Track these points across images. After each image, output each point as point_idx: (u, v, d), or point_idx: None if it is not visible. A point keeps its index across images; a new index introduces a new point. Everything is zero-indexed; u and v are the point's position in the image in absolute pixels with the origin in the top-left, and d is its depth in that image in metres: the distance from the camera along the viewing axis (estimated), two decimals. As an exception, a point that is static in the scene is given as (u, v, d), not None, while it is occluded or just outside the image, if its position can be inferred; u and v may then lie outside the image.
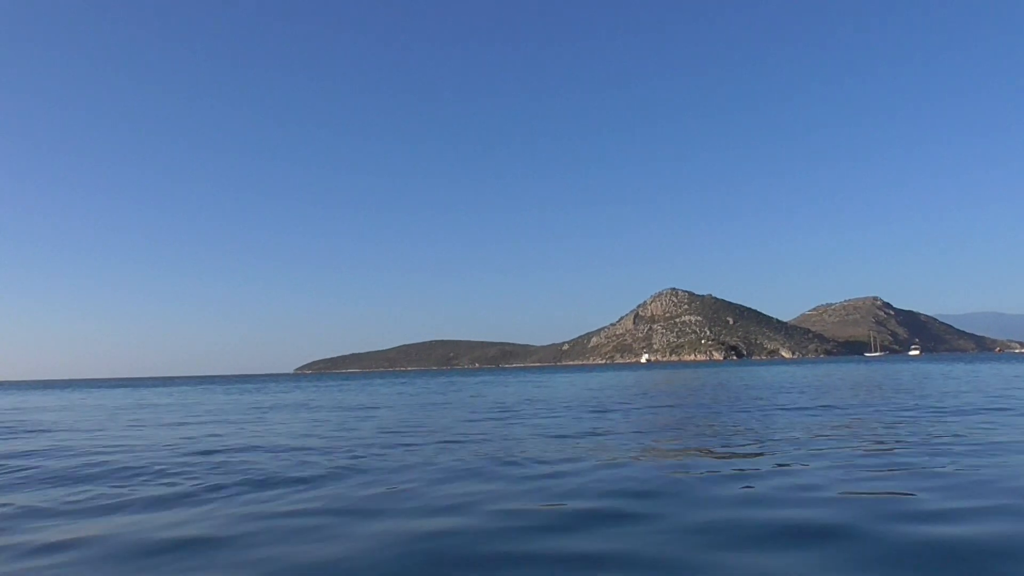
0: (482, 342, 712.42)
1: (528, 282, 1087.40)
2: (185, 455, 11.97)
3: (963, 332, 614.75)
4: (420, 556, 5.24)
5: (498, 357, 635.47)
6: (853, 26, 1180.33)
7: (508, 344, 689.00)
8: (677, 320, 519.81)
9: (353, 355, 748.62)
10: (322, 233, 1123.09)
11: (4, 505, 7.77)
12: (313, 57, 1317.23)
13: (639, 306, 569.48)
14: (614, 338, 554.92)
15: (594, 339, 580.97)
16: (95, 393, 58.44)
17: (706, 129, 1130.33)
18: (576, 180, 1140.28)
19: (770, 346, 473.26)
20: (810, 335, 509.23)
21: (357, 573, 4.93)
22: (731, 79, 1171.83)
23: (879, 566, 4.76)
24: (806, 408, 18.51)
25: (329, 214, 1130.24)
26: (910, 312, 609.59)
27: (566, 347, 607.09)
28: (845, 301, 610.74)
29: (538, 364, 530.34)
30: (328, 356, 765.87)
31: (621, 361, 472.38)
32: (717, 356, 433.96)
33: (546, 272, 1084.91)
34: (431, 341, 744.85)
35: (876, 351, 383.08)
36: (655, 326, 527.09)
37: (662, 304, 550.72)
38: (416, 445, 12.48)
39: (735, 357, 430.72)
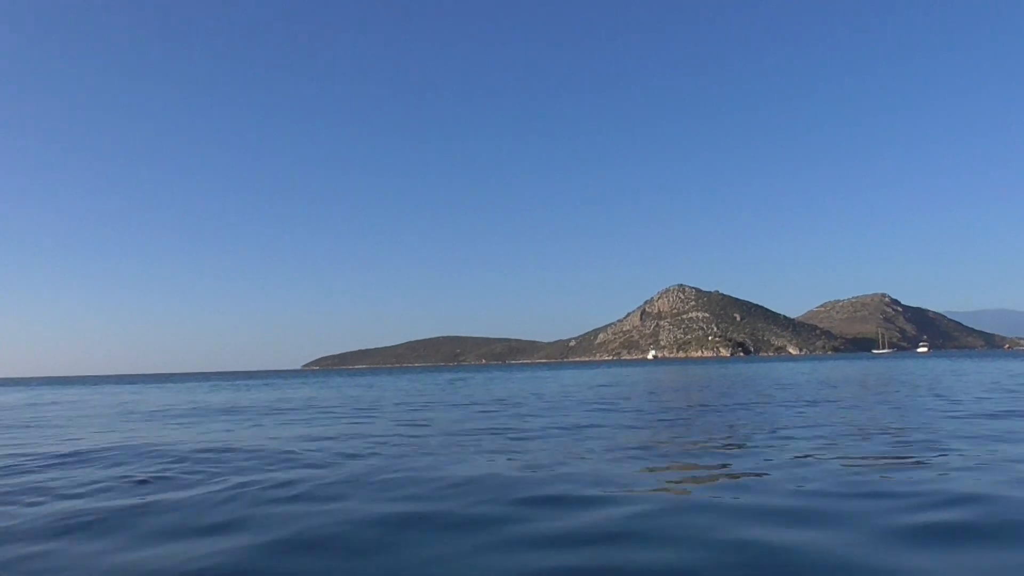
0: (489, 338, 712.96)
1: (535, 279, 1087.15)
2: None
3: (972, 329, 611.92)
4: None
5: (505, 353, 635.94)
6: (862, 23, 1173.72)
7: (515, 340, 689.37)
8: (684, 317, 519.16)
9: (360, 351, 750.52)
10: (330, 230, 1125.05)
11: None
12: (318, 58, 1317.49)
13: (646, 302, 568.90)
14: (621, 334, 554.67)
15: (601, 335, 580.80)
16: (104, 389, 59.00)
17: (714, 126, 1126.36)
18: (584, 177, 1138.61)
19: (777, 343, 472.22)
20: (818, 332, 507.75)
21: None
22: (737, 77, 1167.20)
23: None
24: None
25: (336, 212, 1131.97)
26: (918, 309, 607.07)
27: (573, 343, 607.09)
28: (853, 298, 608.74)
29: (545, 360, 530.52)
30: (335, 352, 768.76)
31: (628, 357, 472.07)
32: (724, 353, 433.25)
33: (553, 269, 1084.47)
34: (438, 337, 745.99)
35: (884, 348, 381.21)
36: (662, 322, 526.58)
37: (669, 300, 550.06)
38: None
39: (742, 354, 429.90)
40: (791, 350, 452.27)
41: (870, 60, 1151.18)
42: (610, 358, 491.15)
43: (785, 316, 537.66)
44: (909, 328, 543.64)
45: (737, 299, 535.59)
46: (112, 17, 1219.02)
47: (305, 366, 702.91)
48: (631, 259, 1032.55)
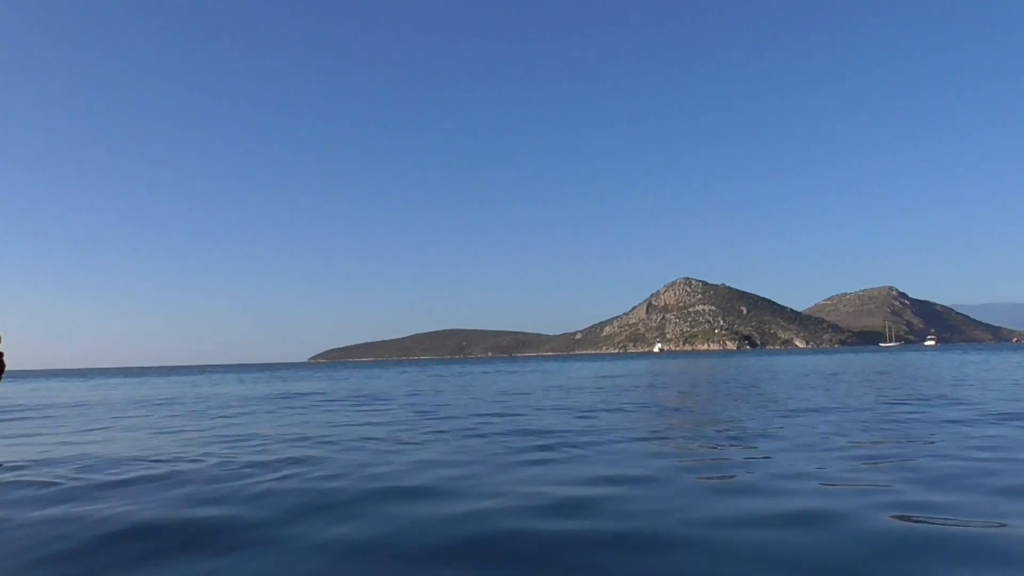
0: (495, 331, 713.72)
1: (541, 272, 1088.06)
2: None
3: (979, 322, 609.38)
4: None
5: (511, 346, 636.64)
6: (870, 18, 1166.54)
7: (521, 333, 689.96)
8: (690, 310, 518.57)
9: (367, 344, 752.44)
10: (336, 225, 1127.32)
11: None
12: (328, 54, 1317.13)
13: (652, 295, 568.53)
14: (627, 327, 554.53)
15: (607, 328, 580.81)
16: (113, 382, 59.38)
17: (722, 121, 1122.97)
18: (591, 171, 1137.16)
19: (784, 336, 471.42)
20: (824, 325, 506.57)
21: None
22: (744, 72, 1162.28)
23: None
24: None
25: (343, 206, 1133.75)
26: (926, 302, 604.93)
27: (579, 336, 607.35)
28: (860, 291, 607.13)
29: (551, 353, 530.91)
30: (342, 345, 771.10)
31: (634, 350, 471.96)
32: (730, 346, 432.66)
33: (559, 262, 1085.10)
34: (444, 330, 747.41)
35: (891, 341, 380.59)
36: (668, 315, 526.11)
37: (675, 293, 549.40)
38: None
39: (748, 347, 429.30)
40: (798, 343, 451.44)
41: (876, 55, 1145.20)
42: (616, 351, 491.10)
43: (792, 309, 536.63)
44: (916, 321, 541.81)
45: (743, 292, 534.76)
46: (114, 15, 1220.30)
47: (312, 359, 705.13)
48: (637, 252, 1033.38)
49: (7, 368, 14.74)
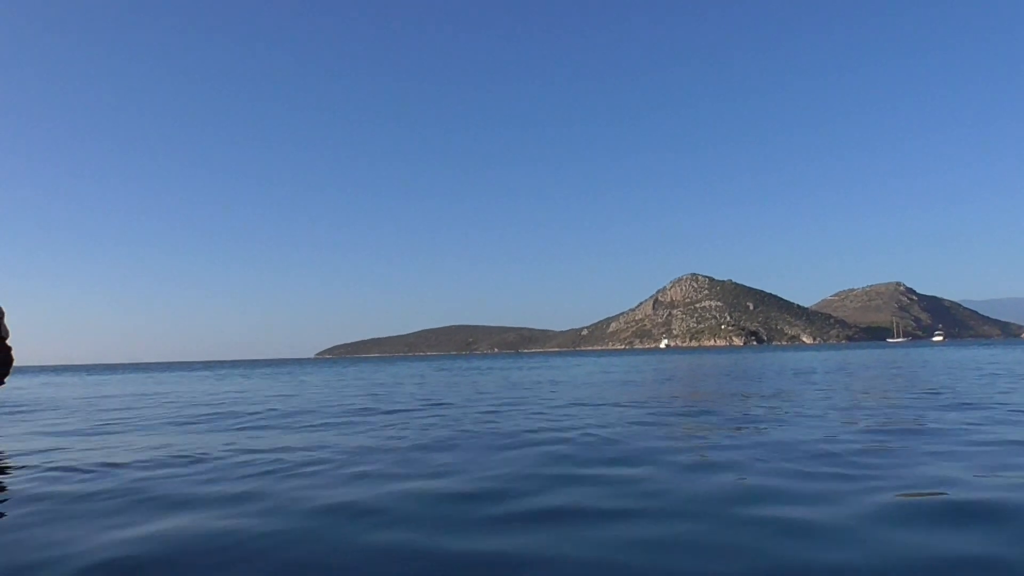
0: (501, 327, 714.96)
1: (548, 268, 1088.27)
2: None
3: (988, 318, 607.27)
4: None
5: (517, 342, 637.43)
6: (877, 13, 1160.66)
7: (527, 329, 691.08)
8: (697, 305, 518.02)
9: (373, 340, 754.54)
10: (343, 220, 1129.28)
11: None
12: (335, 51, 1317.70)
13: (659, 291, 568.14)
14: (633, 323, 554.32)
15: (613, 324, 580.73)
16: (122, 378, 59.48)
17: (728, 116, 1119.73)
18: (597, 167, 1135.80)
19: (791, 331, 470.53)
20: (831, 321, 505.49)
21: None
22: (751, 66, 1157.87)
23: None
24: None
25: (350, 202, 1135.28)
26: (934, 297, 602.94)
27: (585, 332, 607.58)
28: (868, 286, 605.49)
29: (557, 349, 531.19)
30: (349, 341, 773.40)
31: (640, 346, 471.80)
32: (737, 342, 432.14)
33: (566, 258, 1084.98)
34: (451, 326, 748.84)
35: (899, 337, 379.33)
36: (675, 311, 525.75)
37: (682, 289, 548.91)
38: None
39: (755, 343, 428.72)
40: (805, 339, 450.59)
41: (884, 49, 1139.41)
42: (622, 347, 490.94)
43: (799, 305, 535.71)
44: (924, 317, 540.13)
45: (750, 288, 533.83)
46: (117, 12, 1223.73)
47: (318, 355, 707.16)
48: (644, 248, 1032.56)
49: (15, 363, 14.67)
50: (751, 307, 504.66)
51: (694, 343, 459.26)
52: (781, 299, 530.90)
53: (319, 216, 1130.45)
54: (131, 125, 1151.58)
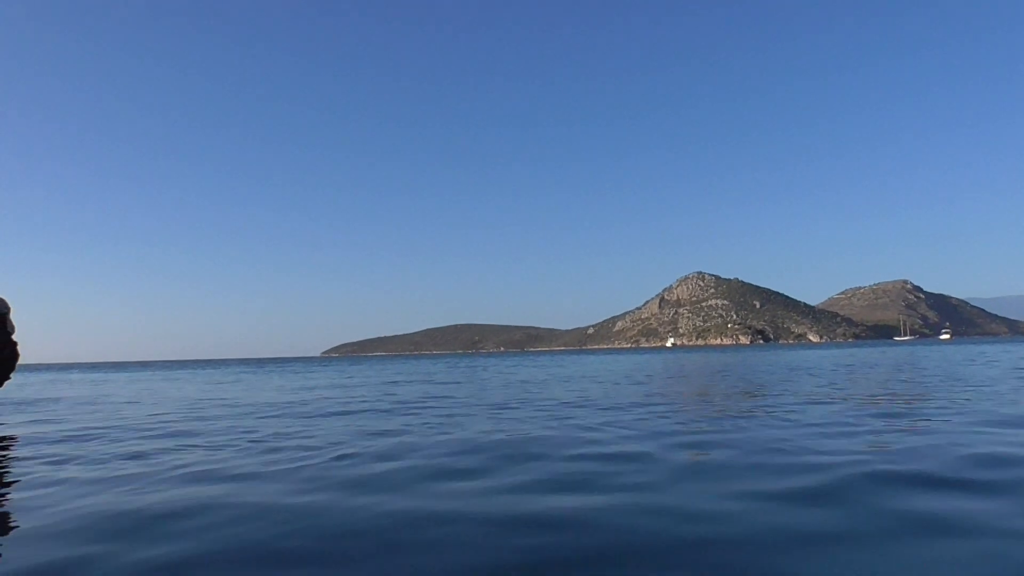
0: (508, 326, 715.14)
1: (553, 267, 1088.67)
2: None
3: (995, 316, 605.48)
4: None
5: (523, 341, 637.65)
6: (884, 11, 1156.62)
7: (533, 328, 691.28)
8: (703, 304, 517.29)
9: (379, 339, 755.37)
10: (350, 220, 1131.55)
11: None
12: (342, 50, 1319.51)
13: (665, 290, 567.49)
14: (639, 322, 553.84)
15: (619, 323, 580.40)
16: (134, 375, 59.78)
17: (735, 114, 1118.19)
18: (603, 166, 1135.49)
19: (797, 330, 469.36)
20: (838, 319, 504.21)
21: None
22: (758, 64, 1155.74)
23: None
24: None
25: (356, 202, 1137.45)
26: (941, 295, 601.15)
27: (591, 331, 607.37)
28: (874, 285, 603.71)
29: (563, 348, 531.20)
30: (355, 340, 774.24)
31: (646, 345, 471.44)
32: (743, 340, 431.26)
33: (572, 257, 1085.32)
34: (457, 325, 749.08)
35: (906, 335, 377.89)
36: (681, 310, 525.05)
37: (688, 288, 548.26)
38: None
39: (762, 341, 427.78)
40: (811, 337, 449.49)
41: (891, 48, 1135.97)
42: (628, 346, 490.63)
43: (805, 303, 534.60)
44: (931, 315, 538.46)
45: (757, 286, 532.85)
46: (118, 12, 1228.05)
47: (324, 353, 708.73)
48: (650, 247, 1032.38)
49: (20, 359, 14.71)
50: (758, 305, 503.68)
51: (700, 342, 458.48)
52: (788, 297, 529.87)
53: (325, 216, 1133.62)
54: (138, 125, 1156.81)
